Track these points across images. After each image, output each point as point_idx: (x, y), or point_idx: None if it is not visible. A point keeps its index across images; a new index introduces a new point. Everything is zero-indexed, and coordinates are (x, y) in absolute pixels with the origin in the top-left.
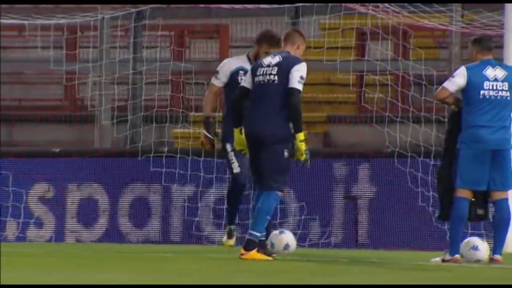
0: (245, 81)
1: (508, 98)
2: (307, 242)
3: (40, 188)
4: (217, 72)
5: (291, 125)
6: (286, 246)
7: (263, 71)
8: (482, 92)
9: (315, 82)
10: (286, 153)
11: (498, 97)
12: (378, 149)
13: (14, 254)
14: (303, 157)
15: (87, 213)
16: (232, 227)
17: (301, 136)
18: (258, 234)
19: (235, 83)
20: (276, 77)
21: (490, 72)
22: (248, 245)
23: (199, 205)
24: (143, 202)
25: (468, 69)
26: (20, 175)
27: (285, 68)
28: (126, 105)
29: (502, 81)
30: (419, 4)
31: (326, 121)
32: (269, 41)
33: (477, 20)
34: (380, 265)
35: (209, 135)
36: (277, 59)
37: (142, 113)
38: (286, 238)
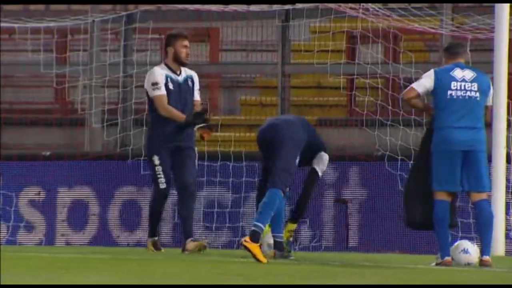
0: None
1: (478, 98)
2: (297, 245)
3: (30, 191)
4: (156, 84)
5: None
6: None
7: None
8: (449, 92)
9: (305, 85)
10: (298, 159)
11: (467, 97)
12: (368, 152)
13: (3, 257)
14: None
15: (78, 216)
16: (156, 238)
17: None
18: (262, 226)
19: (167, 91)
20: None
21: (458, 73)
22: (254, 236)
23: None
24: (133, 205)
25: (436, 71)
26: (10, 178)
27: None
28: (116, 108)
29: (471, 82)
30: (409, 7)
31: (317, 124)
32: (182, 36)
33: (467, 23)
34: (370, 268)
35: (202, 125)
36: None
37: (132, 116)
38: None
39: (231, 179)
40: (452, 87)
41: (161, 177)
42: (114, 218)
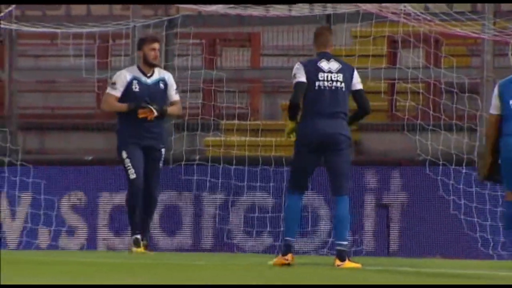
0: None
1: None
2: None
3: (72, 196)
4: (114, 83)
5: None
6: None
7: (326, 76)
8: (511, 102)
9: None
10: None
11: None
12: (409, 157)
13: (45, 262)
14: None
15: (119, 221)
16: (138, 236)
17: None
18: (345, 243)
19: (130, 93)
20: (343, 84)
21: None
22: (342, 256)
23: (230, 213)
24: (174, 210)
25: (499, 85)
26: (52, 183)
27: (348, 74)
28: None
29: None
30: (451, 12)
31: (358, 129)
32: (149, 40)
33: (509, 28)
34: (411, 273)
35: (148, 107)
36: (336, 64)
37: (173, 121)
38: None
39: (271, 184)
40: None
41: (130, 168)
42: (155, 223)
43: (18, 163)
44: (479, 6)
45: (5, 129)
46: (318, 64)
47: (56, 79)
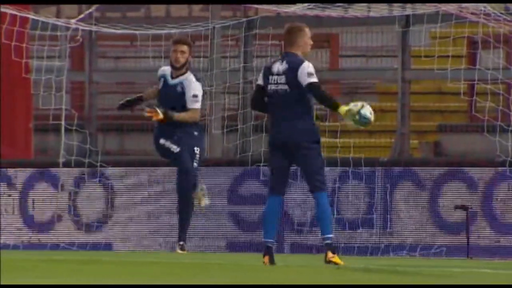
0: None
1: None
2: (417, 251)
3: (151, 196)
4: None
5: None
6: None
7: (274, 79)
8: None
9: (426, 91)
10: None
11: None
12: (489, 158)
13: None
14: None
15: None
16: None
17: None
18: (331, 235)
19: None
20: (286, 86)
21: None
22: (332, 248)
23: (308, 213)
24: (253, 211)
25: None
26: (131, 184)
27: (291, 74)
28: (236, 114)
29: None
30: None
31: (437, 130)
32: (173, 42)
33: None
34: (493, 275)
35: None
36: (284, 66)
37: (252, 122)
38: None
39: (350, 185)
40: None
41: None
42: (234, 223)
43: (98, 164)
44: None
45: (84, 130)
46: (271, 66)
47: (135, 80)
